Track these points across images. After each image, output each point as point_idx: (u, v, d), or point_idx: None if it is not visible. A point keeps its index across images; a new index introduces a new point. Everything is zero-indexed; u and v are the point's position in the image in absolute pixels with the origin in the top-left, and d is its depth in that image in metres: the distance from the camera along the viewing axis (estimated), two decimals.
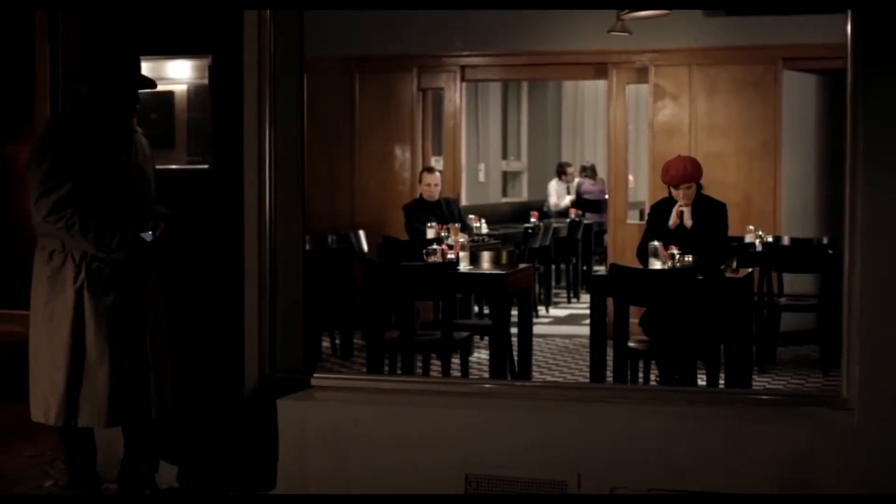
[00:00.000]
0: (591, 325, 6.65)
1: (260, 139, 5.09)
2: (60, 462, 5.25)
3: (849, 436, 4.44)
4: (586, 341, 7.52)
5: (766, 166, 9.56)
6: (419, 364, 7.14)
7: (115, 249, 4.44)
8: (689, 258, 6.40)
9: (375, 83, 10.54)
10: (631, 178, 11.13)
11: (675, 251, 6.43)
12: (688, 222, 6.72)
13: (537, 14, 9.90)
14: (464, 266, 7.18)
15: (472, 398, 5.07)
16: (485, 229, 10.12)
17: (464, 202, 11.35)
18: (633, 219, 10.89)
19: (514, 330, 7.31)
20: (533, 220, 12.00)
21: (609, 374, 6.53)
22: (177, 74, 5.09)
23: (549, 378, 8.02)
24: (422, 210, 9.44)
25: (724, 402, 4.97)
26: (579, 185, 14.96)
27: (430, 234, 8.92)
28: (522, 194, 17.51)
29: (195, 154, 5.09)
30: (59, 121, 4.70)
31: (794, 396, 5.25)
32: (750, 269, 7.17)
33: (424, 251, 7.25)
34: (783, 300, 8.50)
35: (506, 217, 14.37)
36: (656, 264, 6.46)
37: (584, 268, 13.05)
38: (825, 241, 8.63)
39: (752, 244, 8.55)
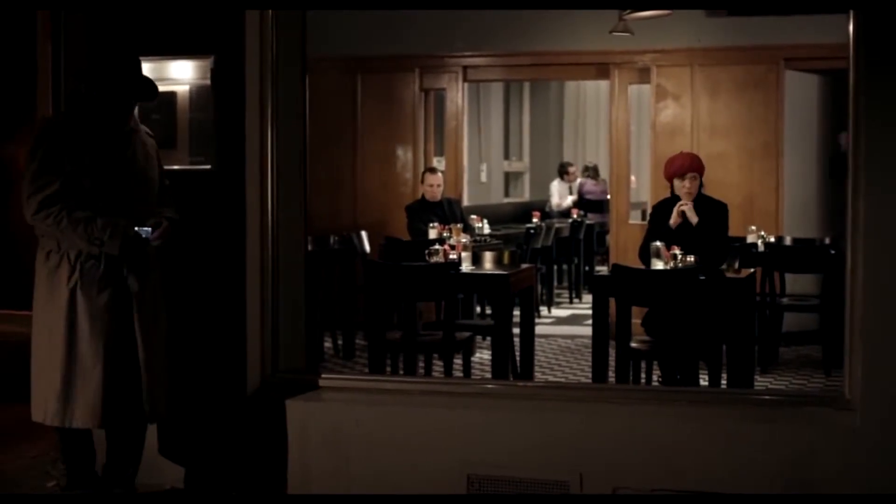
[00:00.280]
0: (594, 325, 6.65)
1: (262, 140, 5.09)
2: (62, 463, 5.25)
3: (851, 436, 4.44)
4: (588, 341, 7.53)
5: (768, 166, 9.56)
6: (421, 364, 7.14)
7: (106, 242, 4.40)
8: (691, 258, 6.40)
9: (377, 84, 10.55)
10: (633, 178, 11.12)
11: (677, 251, 6.43)
12: (693, 219, 6.71)
13: (539, 14, 9.90)
14: (466, 266, 7.19)
15: (474, 398, 5.07)
16: (487, 230, 10.12)
17: (466, 202, 11.35)
18: (634, 219, 10.89)
19: (516, 330, 7.32)
20: (535, 220, 12.01)
21: (611, 374, 6.54)
22: (179, 75, 5.09)
23: (551, 378, 8.02)
24: (424, 210, 9.44)
25: (727, 403, 4.97)
26: (581, 185, 14.97)
27: (433, 234, 8.92)
28: (524, 194, 17.51)
29: (197, 154, 5.08)
30: (54, 119, 4.67)
31: (797, 397, 5.24)
32: (752, 270, 7.17)
33: (426, 251, 7.25)
34: (785, 300, 8.50)
35: (508, 217, 14.37)
36: (658, 264, 6.46)
37: (586, 268, 13.05)
38: (827, 241, 8.63)
39: (754, 244, 8.54)
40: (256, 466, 5.00)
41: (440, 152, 11.26)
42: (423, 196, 9.60)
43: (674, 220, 6.74)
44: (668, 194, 7.01)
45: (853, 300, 4.51)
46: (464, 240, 7.67)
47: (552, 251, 12.10)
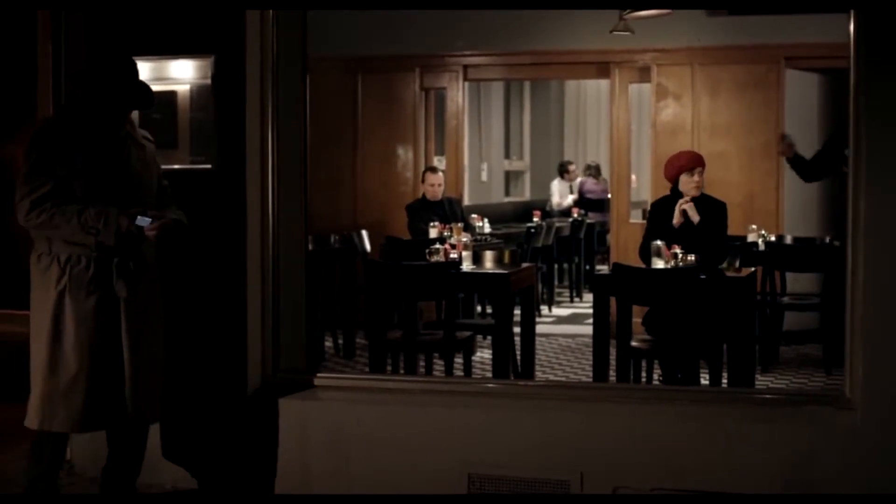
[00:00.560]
0: (594, 324, 6.65)
1: (263, 139, 5.09)
2: (64, 463, 5.25)
3: (851, 436, 4.44)
4: (589, 341, 7.54)
5: (769, 166, 9.56)
6: (422, 364, 7.14)
7: (101, 230, 4.34)
8: (691, 257, 6.40)
9: (378, 83, 10.55)
10: (633, 177, 11.13)
11: (677, 250, 6.43)
12: (695, 218, 6.71)
13: (539, 14, 9.90)
14: (466, 266, 7.19)
15: (474, 398, 5.07)
16: (487, 229, 10.12)
17: (466, 202, 11.36)
18: (635, 218, 10.89)
19: (516, 329, 7.32)
20: (535, 219, 12.01)
21: (612, 373, 6.54)
22: (179, 74, 5.08)
23: (551, 377, 8.02)
24: (424, 210, 9.44)
25: (727, 402, 4.97)
26: (582, 184, 14.97)
27: (433, 233, 8.93)
28: (525, 194, 17.52)
29: (198, 154, 5.08)
30: (48, 121, 4.61)
31: (797, 396, 5.24)
32: (753, 269, 7.17)
33: (427, 251, 7.26)
34: (786, 299, 8.50)
35: (508, 216, 14.38)
36: (659, 263, 6.46)
37: (587, 267, 13.05)
38: (827, 240, 8.63)
39: (755, 243, 8.54)
40: (257, 466, 5.00)
41: (441, 151, 11.27)
42: (423, 195, 9.60)
43: (676, 219, 6.73)
44: (667, 193, 7.01)
45: (853, 299, 4.51)
46: (464, 239, 7.67)
47: (553, 250, 12.10)
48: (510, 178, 17.31)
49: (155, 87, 5.05)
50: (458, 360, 7.00)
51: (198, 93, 5.07)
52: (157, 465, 5.08)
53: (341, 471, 4.88)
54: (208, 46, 5.03)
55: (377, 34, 10.15)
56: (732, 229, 7.09)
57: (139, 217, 4.38)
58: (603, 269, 13.03)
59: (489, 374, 7.29)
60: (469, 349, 7.00)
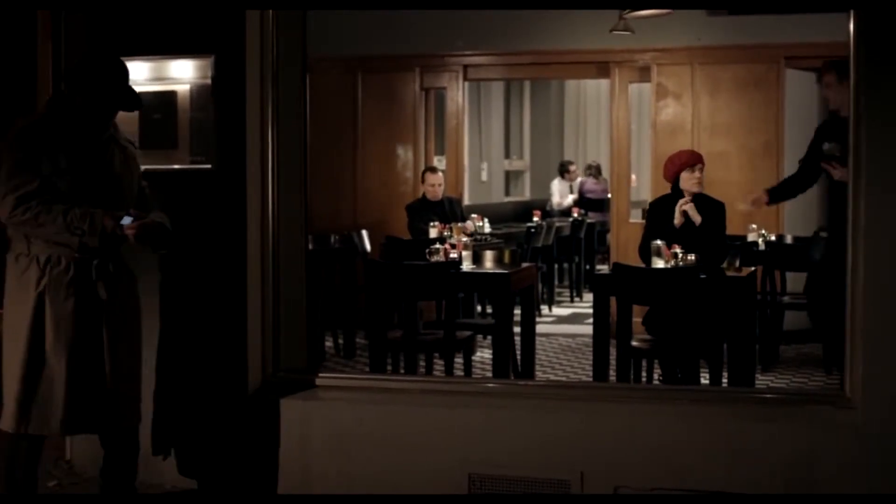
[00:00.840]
0: (594, 324, 6.65)
1: (263, 139, 5.09)
2: (64, 463, 5.26)
3: (852, 435, 4.44)
4: (589, 340, 7.53)
5: (769, 165, 9.56)
6: (422, 363, 7.13)
7: (86, 232, 4.29)
8: (691, 257, 6.40)
9: (378, 83, 10.55)
10: (633, 177, 11.13)
11: (677, 250, 6.43)
12: (696, 218, 6.70)
13: (539, 13, 9.90)
14: (466, 265, 7.19)
15: (474, 398, 5.07)
16: (487, 228, 10.12)
17: (466, 201, 11.35)
18: (635, 218, 10.89)
19: (516, 329, 7.32)
20: (536, 219, 12.01)
21: (612, 373, 6.54)
22: (179, 74, 5.08)
23: (552, 377, 8.02)
24: (425, 210, 9.45)
25: (728, 401, 4.97)
26: (582, 183, 14.97)
27: (433, 233, 8.93)
28: (525, 193, 17.51)
29: (198, 154, 5.08)
30: (32, 119, 4.53)
31: (797, 395, 5.24)
32: (753, 268, 7.17)
33: (427, 251, 7.26)
34: (786, 299, 8.49)
35: (508, 216, 14.38)
36: (659, 263, 6.46)
37: (587, 267, 13.05)
38: (822, 234, 8.61)
39: (755, 243, 8.54)
40: (257, 466, 5.00)
41: (441, 151, 11.27)
42: (423, 195, 9.61)
43: (678, 220, 6.72)
44: (667, 192, 7.01)
45: (853, 299, 4.51)
46: (464, 239, 7.67)
47: (553, 250, 12.10)
48: (510, 177, 17.31)
49: (155, 88, 5.09)
50: (459, 359, 7.00)
51: (198, 93, 5.06)
52: (155, 464, 5.08)
53: (342, 471, 4.88)
54: (208, 46, 5.03)
55: (377, 34, 10.15)
56: (733, 229, 7.09)
57: (125, 218, 4.35)
58: (603, 268, 13.03)
59: (489, 374, 7.29)
60: (469, 349, 7.00)
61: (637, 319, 6.59)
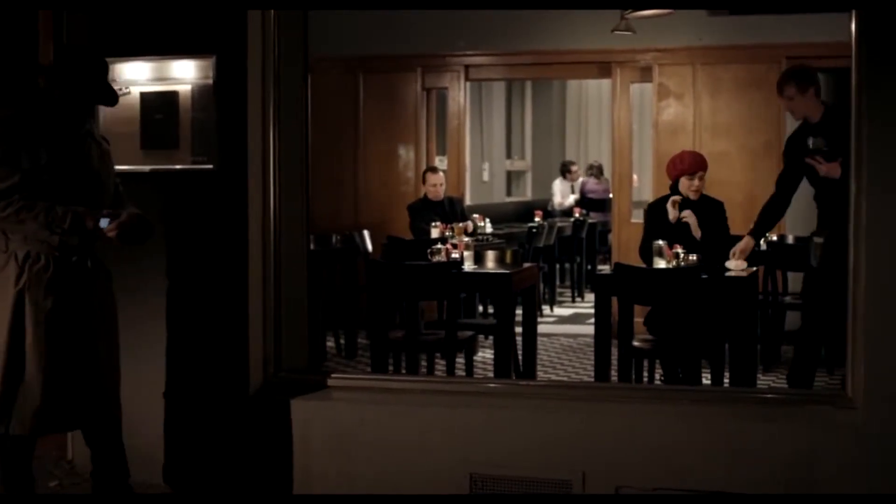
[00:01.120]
0: (596, 324, 6.65)
1: (264, 139, 5.09)
2: (65, 463, 5.26)
3: (853, 435, 4.44)
4: (591, 340, 7.53)
5: (770, 165, 9.52)
6: (423, 363, 7.14)
7: (67, 231, 4.26)
8: (693, 257, 6.40)
9: (379, 83, 10.55)
10: (635, 177, 11.13)
11: (679, 250, 6.43)
12: (696, 233, 6.70)
13: (541, 13, 9.90)
14: (468, 265, 7.19)
15: (476, 398, 5.07)
16: (489, 229, 10.13)
17: (468, 202, 11.36)
18: (637, 218, 10.87)
19: (518, 329, 7.32)
20: (537, 219, 12.00)
21: (613, 373, 6.54)
22: (181, 74, 5.08)
23: (553, 377, 8.02)
24: (426, 209, 9.45)
25: (729, 401, 4.97)
26: (583, 183, 14.98)
27: (435, 233, 8.93)
28: (526, 193, 17.51)
29: (199, 154, 5.08)
30: (9, 113, 4.44)
31: (799, 395, 5.24)
32: (754, 268, 7.16)
33: (429, 251, 7.26)
34: (787, 299, 8.49)
35: (510, 216, 14.37)
36: (661, 263, 6.46)
37: (589, 267, 13.06)
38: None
39: (756, 243, 8.52)
40: (259, 466, 5.00)
41: (442, 151, 11.27)
42: (425, 195, 9.61)
43: (672, 214, 6.73)
44: (667, 193, 7.01)
45: (855, 299, 4.51)
46: (466, 239, 7.67)
47: (554, 250, 12.11)
48: (512, 177, 17.31)
49: (156, 88, 5.10)
50: (460, 359, 7.01)
51: (199, 93, 5.06)
52: (157, 464, 5.08)
53: (342, 470, 4.88)
54: (210, 47, 5.03)
55: (378, 34, 10.16)
56: (734, 229, 7.08)
57: (102, 219, 4.30)
58: (604, 268, 13.03)
59: (491, 374, 7.29)
60: (471, 349, 7.00)
61: (638, 319, 6.60)
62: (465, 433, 4.78)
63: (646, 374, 6.60)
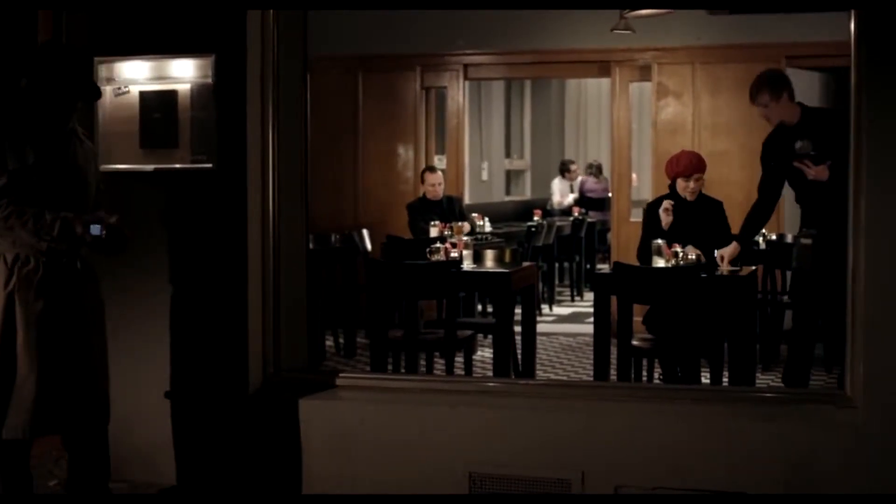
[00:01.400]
0: (595, 323, 6.65)
1: (263, 138, 5.09)
2: (64, 462, 5.25)
3: (853, 434, 4.44)
4: (590, 339, 7.53)
5: None
6: (423, 363, 7.14)
7: (55, 238, 4.23)
8: (692, 256, 6.40)
9: (378, 82, 10.55)
10: (634, 176, 11.13)
11: (678, 249, 6.43)
12: (666, 220, 6.67)
13: (540, 13, 9.90)
14: (467, 265, 7.19)
15: (475, 397, 5.07)
16: (488, 228, 10.13)
17: (467, 201, 11.36)
18: (636, 217, 10.87)
19: (517, 328, 7.32)
20: (536, 218, 12.01)
21: (613, 372, 6.54)
22: (180, 73, 5.08)
23: (552, 376, 8.02)
24: (425, 209, 9.45)
25: (728, 400, 4.97)
26: (582, 182, 14.99)
27: (434, 232, 8.93)
28: (526, 192, 17.52)
29: (198, 153, 5.07)
30: None
31: (798, 394, 5.23)
32: (753, 267, 7.16)
33: (428, 250, 7.26)
34: (786, 298, 8.48)
35: (509, 215, 14.38)
36: (660, 262, 6.46)
37: (588, 266, 13.05)
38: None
39: (756, 242, 8.53)
40: (258, 465, 5.00)
41: (441, 150, 11.27)
42: (424, 195, 9.61)
43: (665, 221, 6.74)
44: (666, 192, 7.02)
45: (854, 298, 4.51)
46: (465, 238, 7.67)
47: (553, 249, 12.11)
48: (511, 177, 17.31)
49: (156, 87, 5.09)
50: (459, 359, 7.00)
51: (198, 92, 5.06)
52: (157, 464, 5.08)
53: (343, 470, 4.88)
54: (209, 45, 5.02)
55: (377, 33, 10.16)
56: (734, 228, 7.08)
57: (92, 226, 4.27)
58: (604, 267, 13.01)
59: (490, 374, 7.29)
60: (470, 348, 7.00)
61: (637, 318, 6.59)
62: (465, 432, 4.78)
63: (645, 373, 6.60)
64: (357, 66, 10.51)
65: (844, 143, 4.58)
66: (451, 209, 9.59)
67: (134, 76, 5.12)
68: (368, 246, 9.81)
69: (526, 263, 7.89)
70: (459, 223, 9.23)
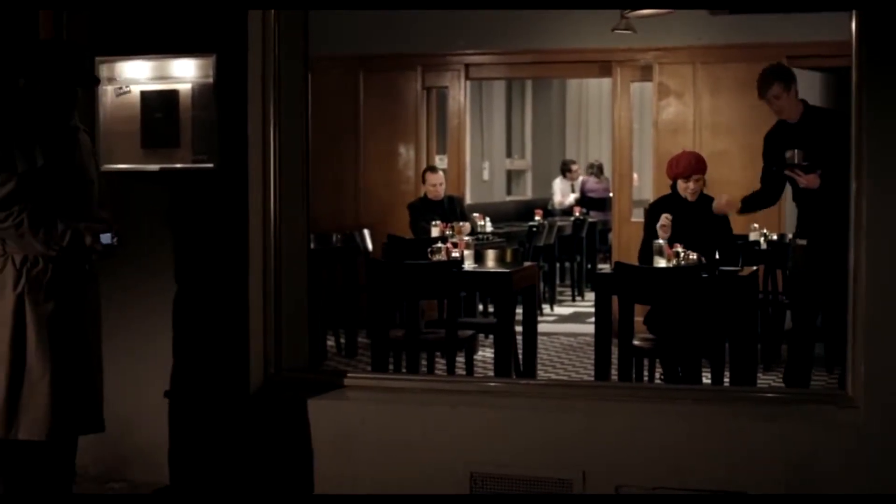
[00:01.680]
0: (596, 323, 6.65)
1: (264, 138, 5.09)
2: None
3: (854, 434, 4.44)
4: (591, 339, 7.53)
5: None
6: (424, 362, 7.14)
7: (65, 248, 4.23)
8: (693, 256, 6.40)
9: (379, 82, 10.55)
10: (635, 175, 11.13)
11: (679, 249, 6.43)
12: (663, 235, 6.66)
13: (541, 13, 9.90)
14: (468, 265, 7.19)
15: (476, 397, 5.07)
16: (489, 228, 10.13)
17: (468, 201, 11.36)
18: (637, 217, 10.87)
19: (518, 328, 7.32)
20: (537, 218, 12.01)
21: (614, 372, 6.54)
22: (181, 73, 5.08)
23: (553, 376, 8.02)
24: (426, 209, 9.45)
25: (729, 401, 4.97)
26: (583, 182, 14.99)
27: (435, 232, 8.93)
28: (527, 192, 17.51)
29: (200, 153, 5.07)
30: None
31: (799, 394, 5.24)
32: (754, 267, 7.17)
33: (429, 250, 7.26)
34: (785, 298, 8.48)
35: (510, 215, 14.38)
36: (661, 262, 6.46)
37: (589, 266, 13.05)
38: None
39: (757, 242, 8.54)
40: (259, 465, 5.00)
41: (442, 150, 11.27)
42: (425, 194, 9.61)
43: (662, 235, 6.70)
44: (668, 192, 7.02)
45: (855, 298, 4.51)
46: (466, 237, 7.67)
47: (554, 249, 12.11)
48: (512, 176, 17.31)
49: (157, 86, 5.10)
50: (460, 359, 7.00)
51: (200, 92, 5.06)
52: (154, 463, 5.08)
53: (344, 470, 4.89)
54: (210, 45, 5.03)
55: (378, 33, 10.16)
56: (735, 228, 7.09)
57: (103, 235, 4.30)
58: (605, 267, 12.99)
59: (491, 373, 7.29)
60: (471, 348, 7.00)
61: (639, 318, 6.59)
62: (466, 432, 4.78)
63: (646, 373, 6.60)
64: (358, 65, 10.51)
65: (844, 144, 4.58)
66: (452, 209, 9.58)
67: (135, 76, 5.12)
68: (369, 246, 9.81)
69: (527, 263, 7.89)
70: (460, 223, 9.23)
